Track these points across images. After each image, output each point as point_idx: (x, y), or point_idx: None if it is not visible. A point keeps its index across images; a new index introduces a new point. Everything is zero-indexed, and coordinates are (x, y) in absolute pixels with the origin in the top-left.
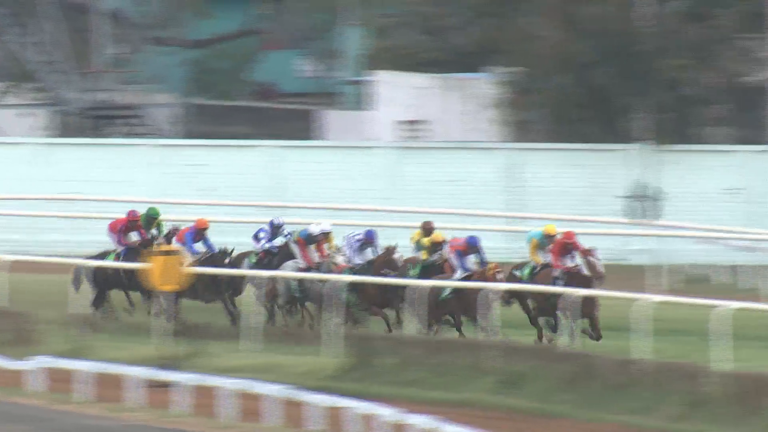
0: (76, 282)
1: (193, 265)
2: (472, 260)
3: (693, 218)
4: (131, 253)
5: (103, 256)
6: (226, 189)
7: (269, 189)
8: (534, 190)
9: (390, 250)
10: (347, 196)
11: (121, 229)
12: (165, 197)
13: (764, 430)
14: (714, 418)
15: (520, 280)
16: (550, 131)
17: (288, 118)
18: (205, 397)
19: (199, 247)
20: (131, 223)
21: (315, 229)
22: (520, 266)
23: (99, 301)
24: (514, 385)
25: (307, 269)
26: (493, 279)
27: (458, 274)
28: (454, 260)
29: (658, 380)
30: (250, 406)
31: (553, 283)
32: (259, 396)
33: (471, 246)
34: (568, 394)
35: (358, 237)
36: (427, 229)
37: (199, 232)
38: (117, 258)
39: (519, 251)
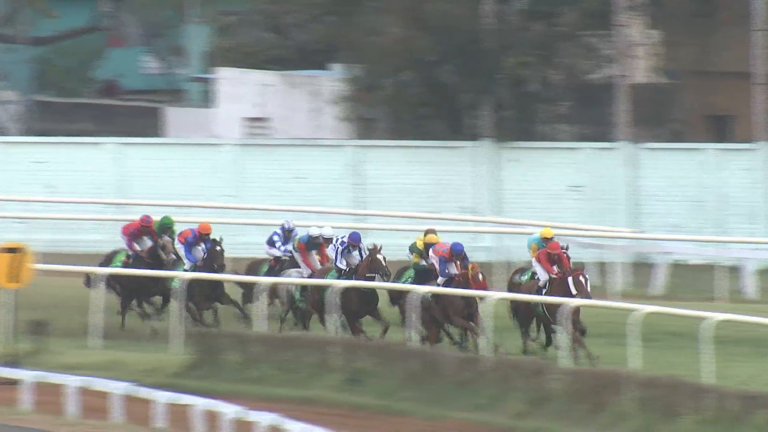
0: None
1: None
2: (455, 266)
3: (537, 215)
4: (139, 259)
5: (111, 256)
6: (70, 186)
7: (114, 186)
8: (379, 188)
9: (375, 250)
10: (192, 192)
11: (133, 232)
12: (10, 194)
13: (606, 427)
14: (557, 414)
15: (519, 286)
16: (394, 128)
17: (133, 115)
18: (50, 394)
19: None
20: (144, 228)
21: (315, 232)
22: (520, 271)
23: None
24: (358, 383)
25: (311, 276)
26: (475, 279)
27: (440, 280)
28: (437, 266)
29: (502, 377)
30: (96, 403)
31: (538, 292)
32: (104, 393)
33: (456, 253)
34: (412, 392)
35: (342, 240)
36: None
37: (201, 237)
38: (127, 260)
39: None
